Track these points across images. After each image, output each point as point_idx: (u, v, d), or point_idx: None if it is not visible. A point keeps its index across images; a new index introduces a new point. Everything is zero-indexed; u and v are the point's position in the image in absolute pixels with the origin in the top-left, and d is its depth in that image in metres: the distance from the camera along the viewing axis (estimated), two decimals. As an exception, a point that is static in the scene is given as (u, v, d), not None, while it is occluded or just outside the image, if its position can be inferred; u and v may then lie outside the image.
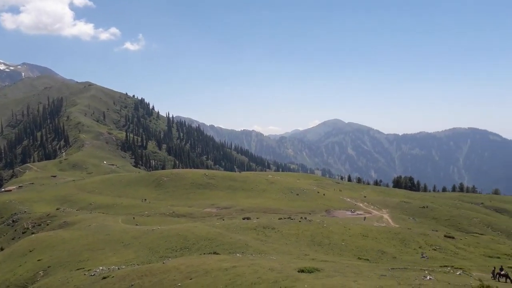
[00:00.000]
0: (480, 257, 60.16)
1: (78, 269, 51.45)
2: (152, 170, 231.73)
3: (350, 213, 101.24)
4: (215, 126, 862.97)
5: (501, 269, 37.15)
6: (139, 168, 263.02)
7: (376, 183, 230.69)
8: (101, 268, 47.87)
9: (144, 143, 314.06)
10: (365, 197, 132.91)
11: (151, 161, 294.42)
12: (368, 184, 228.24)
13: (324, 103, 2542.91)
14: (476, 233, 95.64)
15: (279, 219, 79.80)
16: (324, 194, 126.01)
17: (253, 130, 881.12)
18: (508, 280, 35.68)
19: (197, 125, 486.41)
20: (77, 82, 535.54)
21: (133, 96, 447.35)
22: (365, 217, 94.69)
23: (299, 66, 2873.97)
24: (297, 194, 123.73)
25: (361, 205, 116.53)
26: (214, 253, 48.06)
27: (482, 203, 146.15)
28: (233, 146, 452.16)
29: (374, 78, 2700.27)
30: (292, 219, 78.38)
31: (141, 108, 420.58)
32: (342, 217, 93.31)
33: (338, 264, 42.26)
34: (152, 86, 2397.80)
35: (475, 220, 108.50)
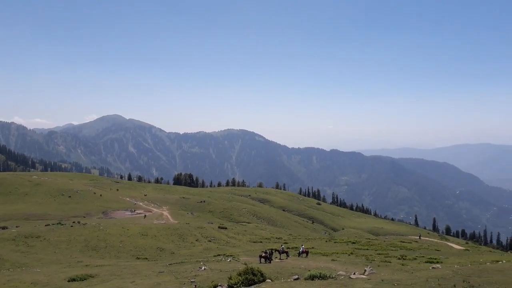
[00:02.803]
0: (247, 243, 67.70)
1: None
2: None
3: (129, 213, 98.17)
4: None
5: (266, 252, 42.31)
6: None
7: (157, 181, 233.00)
8: None
9: None
10: (146, 195, 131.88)
11: None
12: (149, 182, 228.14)
13: (103, 97, 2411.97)
14: (245, 222, 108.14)
15: (46, 225, 70.33)
16: (101, 195, 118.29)
17: (12, 122, 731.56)
18: (267, 261, 40.94)
19: None
20: None
21: None
22: (145, 215, 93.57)
23: (74, 52, 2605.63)
24: (70, 196, 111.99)
25: (141, 204, 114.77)
26: (-48, 276, 38.00)
27: (249, 195, 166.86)
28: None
29: (152, 77, 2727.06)
30: (62, 225, 70.54)
31: None
32: (121, 218, 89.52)
33: (115, 267, 40.21)
34: None
35: (244, 211, 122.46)
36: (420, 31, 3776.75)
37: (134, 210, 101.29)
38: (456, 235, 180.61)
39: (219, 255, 50.27)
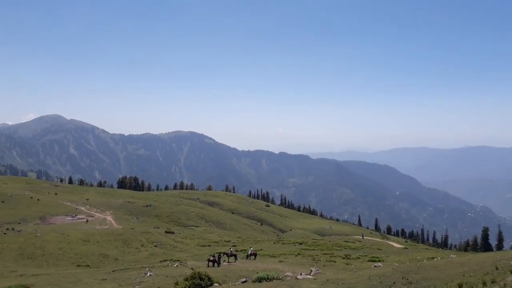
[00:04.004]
0: (195, 248, 66.80)
1: None
2: None
3: (70, 218, 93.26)
4: None
5: (214, 256, 41.98)
6: None
7: (100, 184, 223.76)
8: None
9: None
10: (88, 199, 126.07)
11: None
12: (92, 186, 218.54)
13: (42, 96, 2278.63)
14: (193, 226, 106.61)
15: (-25, 233, 64.83)
16: (38, 200, 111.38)
17: None
18: (216, 264, 40.65)
19: None
20: None
21: None
22: (87, 220, 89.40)
23: (8, 47, 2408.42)
24: (3, 201, 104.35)
25: (83, 208, 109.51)
26: None
27: (198, 198, 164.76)
28: None
29: (94, 76, 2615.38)
30: (-6, 232, 65.25)
31: None
32: (61, 223, 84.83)
33: (53, 275, 38.26)
34: None
35: (192, 214, 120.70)
36: (360, 35, 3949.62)
37: (75, 215, 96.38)
38: (397, 234, 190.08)
39: (165, 260, 49.16)
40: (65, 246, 58.21)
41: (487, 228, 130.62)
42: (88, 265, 49.78)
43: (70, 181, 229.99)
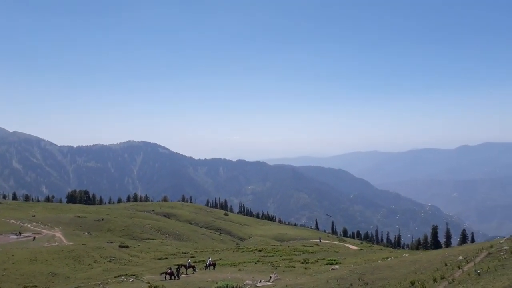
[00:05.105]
0: (151, 261, 64.78)
1: None
2: None
3: (15, 236, 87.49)
4: None
5: (171, 268, 40.94)
6: None
7: (48, 199, 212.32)
8: None
9: None
10: (34, 216, 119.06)
11: None
12: (39, 201, 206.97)
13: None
14: (148, 238, 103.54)
15: None
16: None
17: None
18: (173, 277, 39.64)
19: None
20: None
21: None
22: (34, 238, 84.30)
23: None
24: None
25: (29, 225, 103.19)
26: None
27: (153, 210, 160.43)
28: None
29: (37, 84, 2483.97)
30: None
31: None
32: (4, 243, 79.32)
33: None
34: None
35: (147, 227, 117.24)
36: (310, 40, 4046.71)
37: (21, 233, 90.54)
38: (352, 236, 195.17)
39: (120, 275, 47.30)
40: (10, 266, 54.48)
41: (436, 226, 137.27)
42: (35, 286, 46.93)
43: (14, 197, 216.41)
